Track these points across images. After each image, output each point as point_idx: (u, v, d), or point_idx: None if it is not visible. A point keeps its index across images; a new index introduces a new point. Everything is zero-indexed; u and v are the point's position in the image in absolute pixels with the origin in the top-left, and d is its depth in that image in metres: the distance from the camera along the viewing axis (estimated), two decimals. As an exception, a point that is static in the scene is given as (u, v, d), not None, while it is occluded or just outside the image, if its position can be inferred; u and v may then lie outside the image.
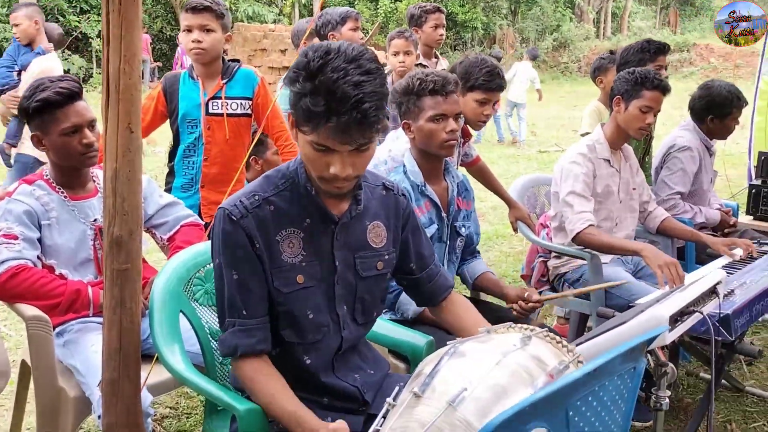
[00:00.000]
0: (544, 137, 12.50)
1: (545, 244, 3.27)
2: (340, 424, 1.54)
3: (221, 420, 1.96)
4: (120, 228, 1.78)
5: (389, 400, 1.51)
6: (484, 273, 2.66)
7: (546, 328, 1.66)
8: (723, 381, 3.31)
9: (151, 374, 2.15)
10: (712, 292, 2.12)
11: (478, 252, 2.74)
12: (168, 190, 3.15)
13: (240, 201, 1.67)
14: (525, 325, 1.70)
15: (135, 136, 1.76)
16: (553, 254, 3.27)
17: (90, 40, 18.31)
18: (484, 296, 3.09)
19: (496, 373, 1.46)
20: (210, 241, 1.75)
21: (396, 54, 3.91)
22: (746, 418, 3.13)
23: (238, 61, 3.19)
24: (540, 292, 3.31)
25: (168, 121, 3.14)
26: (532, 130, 12.93)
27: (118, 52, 1.72)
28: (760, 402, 3.27)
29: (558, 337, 1.63)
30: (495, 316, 2.40)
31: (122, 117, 1.74)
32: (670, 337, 1.88)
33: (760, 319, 4.12)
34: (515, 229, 3.42)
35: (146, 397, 2.07)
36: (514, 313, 2.44)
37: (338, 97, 1.48)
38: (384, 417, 1.49)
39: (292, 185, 1.71)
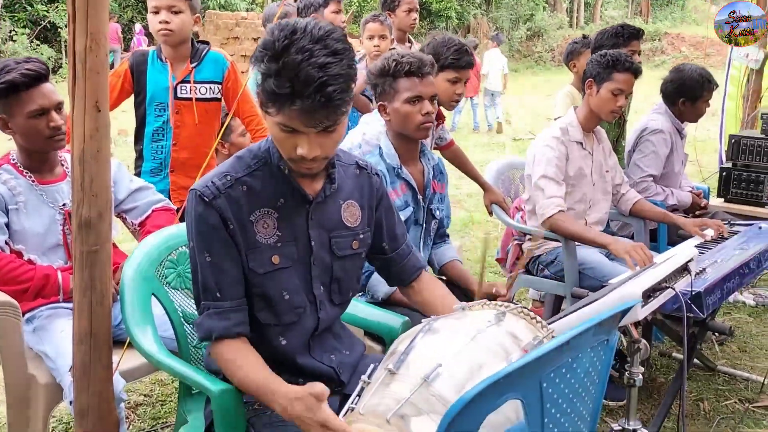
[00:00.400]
0: (519, 125, 12.55)
1: (520, 226, 3.28)
2: (317, 384, 1.49)
3: (195, 403, 1.94)
4: (89, 209, 1.75)
5: (364, 377, 1.50)
6: (452, 261, 2.65)
7: (520, 305, 1.66)
8: (695, 360, 3.36)
9: (124, 360, 2.13)
10: (684, 269, 2.15)
11: (448, 236, 2.73)
12: (138, 174, 3.11)
13: (212, 182, 1.64)
14: (499, 302, 1.71)
15: (102, 115, 1.72)
16: (528, 237, 3.28)
17: (59, 29, 17.98)
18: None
19: (470, 348, 1.46)
20: (183, 224, 1.73)
21: (371, 38, 3.89)
22: (718, 396, 3.17)
23: (207, 43, 3.14)
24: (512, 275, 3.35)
25: (134, 100, 3.09)
26: (506, 118, 12.96)
27: (84, 31, 1.69)
28: (731, 380, 3.32)
29: (532, 314, 1.64)
30: (466, 297, 2.40)
31: (89, 96, 1.71)
32: (643, 312, 1.89)
33: (731, 300, 4.21)
34: (490, 213, 3.43)
35: (119, 382, 2.04)
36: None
37: (302, 79, 1.45)
38: (359, 395, 1.48)
39: (265, 165, 1.69)
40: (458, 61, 2.84)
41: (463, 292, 2.57)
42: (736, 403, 3.11)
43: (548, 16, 28.88)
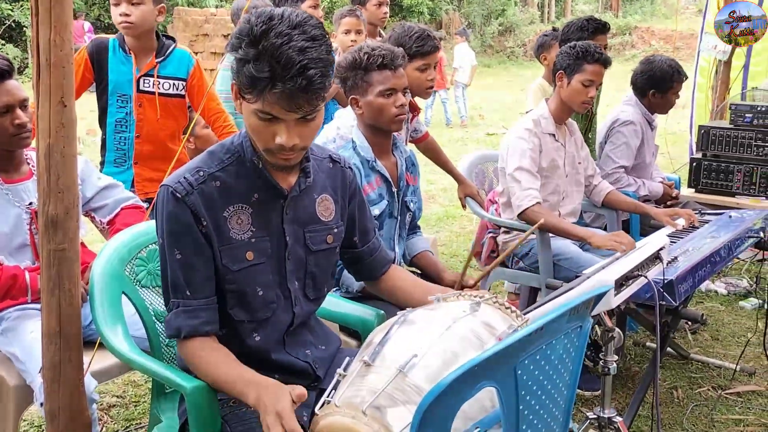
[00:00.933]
0: (492, 120, 12.60)
1: (494, 219, 3.28)
2: (298, 387, 1.48)
3: (169, 402, 1.92)
4: (55, 206, 1.71)
5: (339, 370, 1.49)
6: (423, 252, 2.64)
7: (495, 296, 1.66)
8: (669, 349, 3.40)
9: (96, 360, 2.09)
10: (656, 257, 2.16)
11: (419, 227, 2.73)
12: (101, 163, 3.10)
13: (184, 177, 1.61)
14: (474, 292, 1.71)
15: (68, 111, 1.69)
16: (503, 229, 3.29)
17: (24, 28, 17.66)
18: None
19: (446, 338, 1.46)
20: (153, 221, 1.70)
21: (347, 32, 3.85)
22: (691, 383, 3.21)
23: (173, 39, 3.12)
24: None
25: (95, 88, 3.05)
26: (479, 113, 13.02)
27: (47, 23, 1.65)
28: (704, 368, 3.36)
29: (507, 304, 1.64)
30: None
31: (54, 91, 1.67)
32: (616, 300, 1.91)
33: (703, 289, 4.26)
34: (464, 206, 3.43)
35: (90, 383, 2.01)
36: None
37: (283, 63, 1.44)
38: (335, 388, 1.47)
39: (238, 160, 1.66)
40: (423, 47, 2.84)
41: (433, 282, 2.57)
42: (709, 390, 3.15)
43: (520, 11, 29.03)
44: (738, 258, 4.70)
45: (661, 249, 2.17)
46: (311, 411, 1.52)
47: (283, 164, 1.60)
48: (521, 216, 3.01)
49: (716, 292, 4.31)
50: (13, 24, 17.73)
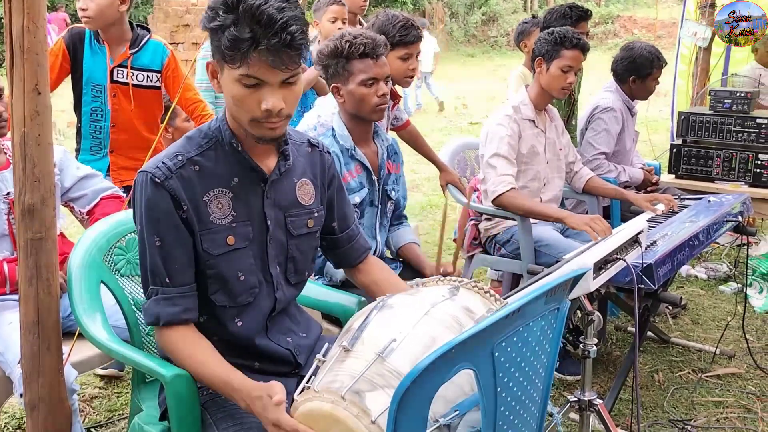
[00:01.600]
0: (475, 109, 12.61)
1: (476, 206, 3.29)
2: (276, 386, 1.49)
3: (149, 392, 1.91)
4: (32, 195, 1.70)
5: (319, 356, 1.49)
6: (409, 244, 2.65)
7: (474, 280, 1.66)
8: (650, 333, 3.43)
9: (77, 351, 2.09)
10: (635, 241, 2.18)
11: (405, 217, 2.73)
12: (77, 150, 3.09)
13: (162, 162, 1.60)
14: (453, 278, 1.72)
15: (43, 98, 1.68)
16: (484, 217, 3.30)
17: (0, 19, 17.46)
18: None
19: (424, 322, 1.46)
20: (131, 209, 1.69)
21: (334, 20, 3.83)
22: (672, 367, 3.25)
23: (148, 30, 3.10)
24: (471, 256, 3.37)
25: (71, 77, 3.04)
26: (462, 102, 13.03)
27: (20, 10, 1.64)
28: (684, 352, 3.40)
29: (486, 288, 1.65)
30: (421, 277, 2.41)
31: (28, 78, 1.66)
32: (595, 284, 1.93)
33: (684, 274, 4.30)
34: (445, 193, 3.44)
35: (71, 373, 2.00)
36: None
37: (264, 21, 1.45)
38: (315, 373, 1.47)
39: (216, 144, 1.65)
40: (406, 36, 2.83)
41: (417, 274, 2.58)
42: (689, 373, 3.19)
43: (503, 1, 29.01)
44: (718, 243, 4.76)
45: (639, 233, 2.19)
46: (291, 398, 1.52)
47: (269, 135, 1.58)
48: (496, 202, 3.02)
49: (696, 276, 4.36)
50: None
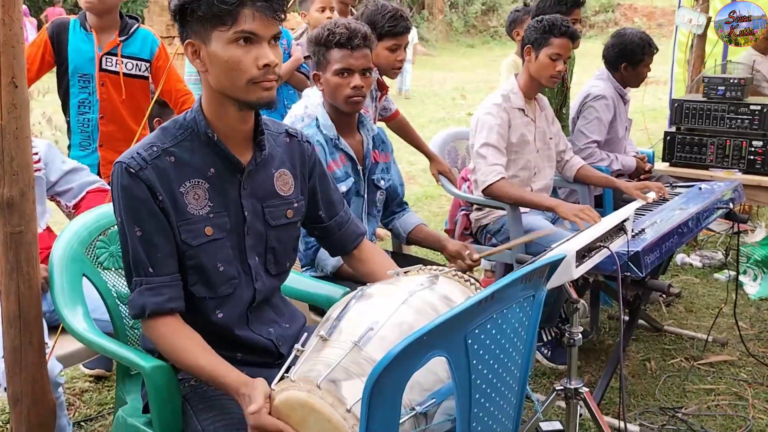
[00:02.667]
0: (474, 100, 12.58)
1: (466, 196, 3.29)
2: (260, 382, 1.49)
3: (133, 384, 1.91)
4: (10, 188, 1.69)
5: (297, 346, 1.49)
6: (418, 225, 2.64)
7: (453, 268, 1.66)
8: (642, 322, 3.43)
9: (63, 345, 2.09)
10: (620, 229, 2.17)
11: (406, 204, 2.72)
12: (69, 147, 3.09)
13: (137, 153, 1.59)
14: (434, 266, 1.71)
15: (20, 91, 1.67)
16: (475, 206, 3.29)
17: None
18: (406, 249, 3.11)
19: (402, 311, 1.46)
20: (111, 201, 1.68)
21: (323, 10, 3.81)
22: (664, 355, 3.24)
23: (137, 19, 3.08)
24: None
25: (56, 70, 3.02)
26: (461, 93, 13.01)
27: (-5, 2, 1.62)
28: (677, 340, 3.39)
29: (466, 276, 1.64)
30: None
31: (5, 71, 1.65)
32: (578, 272, 1.92)
33: (678, 262, 4.29)
34: (438, 182, 3.43)
35: (55, 366, 1.99)
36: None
37: None
38: (293, 363, 1.47)
39: (192, 134, 1.64)
40: (395, 27, 2.83)
41: (415, 263, 2.57)
42: (681, 361, 3.18)
43: (502, -9, 28.90)
44: (713, 231, 4.75)
45: (624, 221, 2.18)
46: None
47: (266, 97, 1.58)
48: (486, 191, 3.02)
49: (692, 264, 4.35)
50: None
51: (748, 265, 3.97)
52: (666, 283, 2.47)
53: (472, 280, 1.63)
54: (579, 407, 2.16)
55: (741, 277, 3.99)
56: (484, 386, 1.31)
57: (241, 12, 1.50)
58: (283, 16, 1.57)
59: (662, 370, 3.09)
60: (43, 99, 7.75)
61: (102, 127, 3.05)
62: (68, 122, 3.11)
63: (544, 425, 2.58)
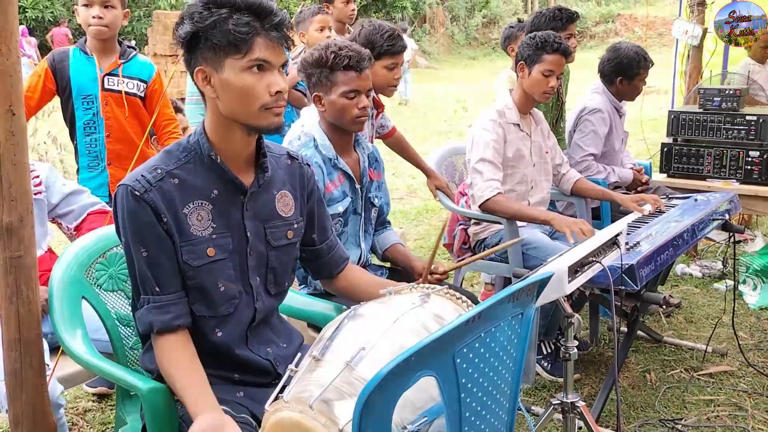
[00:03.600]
0: (475, 112, 12.58)
1: (463, 211, 3.31)
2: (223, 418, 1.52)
3: (133, 405, 1.93)
4: (9, 214, 1.72)
5: (291, 366, 1.51)
6: (394, 245, 2.67)
7: (446, 286, 1.68)
8: (642, 333, 3.44)
9: (64, 366, 2.11)
10: (613, 243, 2.19)
11: (389, 222, 2.75)
12: (77, 171, 3.16)
13: (142, 176, 1.63)
14: (427, 285, 1.73)
15: (18, 119, 1.70)
16: (473, 221, 3.32)
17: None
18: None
19: (394, 331, 1.48)
20: (114, 223, 1.71)
21: (321, 30, 3.86)
22: (664, 366, 3.25)
23: (134, 48, 3.23)
24: (462, 260, 3.38)
25: (60, 99, 3.11)
26: (462, 105, 13.05)
27: (-7, 33, 1.66)
28: (677, 351, 3.40)
29: (458, 294, 1.67)
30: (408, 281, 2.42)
31: (2, 100, 1.68)
32: (571, 287, 1.93)
33: (678, 272, 4.30)
34: (435, 197, 3.46)
35: (56, 388, 2.02)
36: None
37: (256, 6, 1.56)
38: (287, 384, 1.49)
39: (195, 157, 1.68)
40: (393, 47, 2.89)
41: (405, 277, 2.60)
42: (681, 372, 3.19)
43: (503, 3, 29.07)
44: (713, 240, 4.76)
45: (618, 235, 2.20)
46: (265, 408, 1.54)
47: (276, 122, 1.64)
48: (483, 207, 3.04)
49: (691, 275, 4.35)
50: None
51: (747, 274, 3.97)
52: (662, 296, 2.48)
53: (464, 298, 1.65)
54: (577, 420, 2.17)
55: (741, 287, 4.00)
56: (474, 404, 1.33)
57: (255, 40, 1.56)
58: (289, 44, 1.64)
59: (662, 382, 3.09)
60: (49, 118, 7.82)
61: (109, 145, 3.13)
62: (75, 146, 3.17)
63: (543, 439, 2.59)
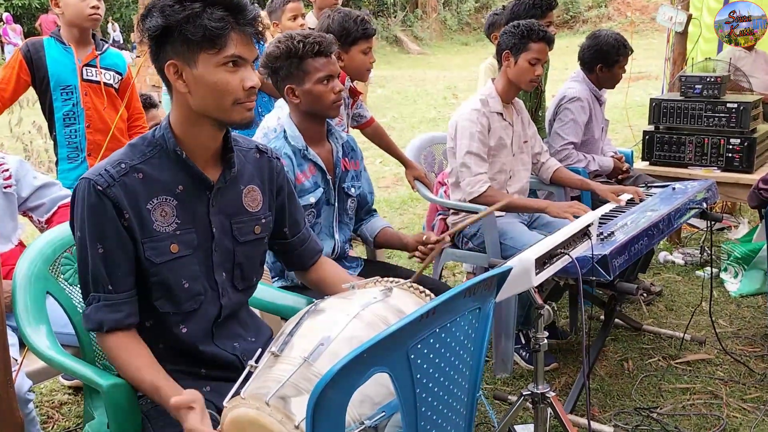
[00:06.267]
0: (465, 99, 12.60)
1: (442, 201, 3.30)
2: (192, 394, 1.51)
3: (100, 400, 1.91)
4: (-31, 210, 1.71)
5: (251, 362, 1.51)
6: (383, 228, 2.66)
7: (409, 280, 1.67)
8: (621, 321, 3.44)
9: (34, 361, 2.10)
10: (584, 234, 2.19)
11: (375, 210, 2.74)
12: (56, 162, 3.17)
13: (105, 170, 1.61)
14: (389, 279, 1.73)
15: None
16: (452, 211, 3.31)
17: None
18: (380, 256, 3.13)
19: (353, 325, 1.47)
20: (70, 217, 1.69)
21: (294, 18, 3.84)
22: (642, 354, 3.26)
23: (106, 41, 3.26)
24: (441, 250, 3.38)
25: (37, 89, 3.10)
26: (453, 92, 13.02)
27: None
28: (656, 339, 3.41)
29: (421, 288, 1.66)
30: (392, 274, 2.41)
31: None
32: (538, 279, 1.93)
33: (661, 260, 4.30)
34: (414, 188, 3.45)
35: (24, 383, 2.01)
36: (416, 260, 2.43)
37: (228, 1, 1.55)
38: (246, 380, 1.49)
39: (161, 152, 1.66)
40: (367, 30, 2.96)
41: (381, 269, 2.60)
42: (659, 360, 3.20)
43: (495, -13, 28.91)
44: (696, 227, 4.76)
45: (589, 225, 2.20)
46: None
47: (248, 117, 1.63)
48: (475, 201, 3.04)
49: (674, 262, 4.36)
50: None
51: (729, 262, 3.98)
52: (634, 286, 2.49)
53: (427, 292, 1.65)
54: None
55: (722, 275, 4.01)
56: (429, 399, 1.33)
57: (230, 36, 1.55)
58: (261, 38, 1.63)
59: (639, 370, 3.10)
60: (34, 107, 7.76)
61: (89, 136, 3.14)
62: (54, 137, 3.16)
63: (518, 428, 2.61)
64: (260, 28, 1.61)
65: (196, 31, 1.52)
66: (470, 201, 3.08)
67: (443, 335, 1.32)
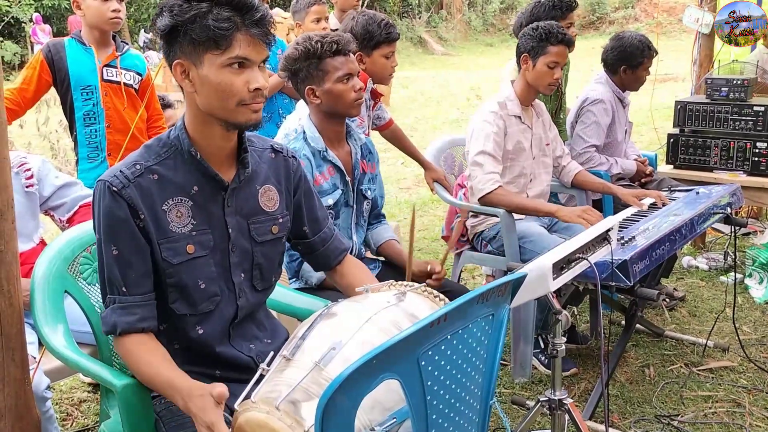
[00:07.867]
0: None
1: (461, 204, 3.28)
2: (218, 384, 1.50)
3: (116, 399, 1.93)
4: (-11, 209, 1.73)
5: (263, 365, 1.50)
6: (388, 241, 2.64)
7: (423, 284, 1.66)
8: (642, 327, 3.40)
9: (52, 359, 2.12)
10: (604, 239, 2.16)
11: (383, 215, 2.73)
12: (76, 162, 3.20)
13: (120, 171, 1.62)
14: (404, 282, 1.71)
15: (-4, 113, 1.70)
16: (471, 213, 3.28)
17: (23, 24, 17.73)
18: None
19: (366, 330, 1.47)
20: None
21: (318, 21, 3.85)
22: (664, 361, 3.21)
23: (127, 43, 3.28)
24: (459, 253, 3.36)
25: (58, 90, 3.13)
26: (476, 93, 12.96)
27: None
28: (678, 345, 3.35)
29: (435, 292, 1.64)
30: (403, 276, 2.39)
31: (-19, 96, 1.69)
32: (556, 284, 1.91)
33: (685, 265, 4.24)
34: (432, 190, 3.43)
35: (41, 381, 2.03)
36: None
37: (236, 1, 1.53)
38: (258, 383, 1.48)
39: (176, 153, 1.66)
40: (391, 34, 2.96)
41: (400, 272, 2.58)
42: (681, 367, 3.15)
43: (521, -12, 28.73)
44: (721, 232, 4.69)
45: (609, 230, 2.17)
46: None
47: (254, 119, 1.62)
48: (483, 200, 3.01)
49: (698, 267, 4.29)
50: (12, 20, 17.77)
51: (753, 267, 3.91)
52: (655, 292, 2.44)
53: (441, 296, 1.63)
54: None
55: (746, 280, 3.94)
56: (440, 406, 1.32)
57: (235, 36, 1.54)
58: (270, 41, 1.61)
59: (661, 377, 3.06)
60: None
61: (109, 136, 3.17)
62: (75, 137, 3.19)
63: (536, 435, 2.58)
64: (270, 29, 1.60)
65: (202, 31, 1.52)
66: (479, 199, 3.05)
67: (455, 342, 1.31)
